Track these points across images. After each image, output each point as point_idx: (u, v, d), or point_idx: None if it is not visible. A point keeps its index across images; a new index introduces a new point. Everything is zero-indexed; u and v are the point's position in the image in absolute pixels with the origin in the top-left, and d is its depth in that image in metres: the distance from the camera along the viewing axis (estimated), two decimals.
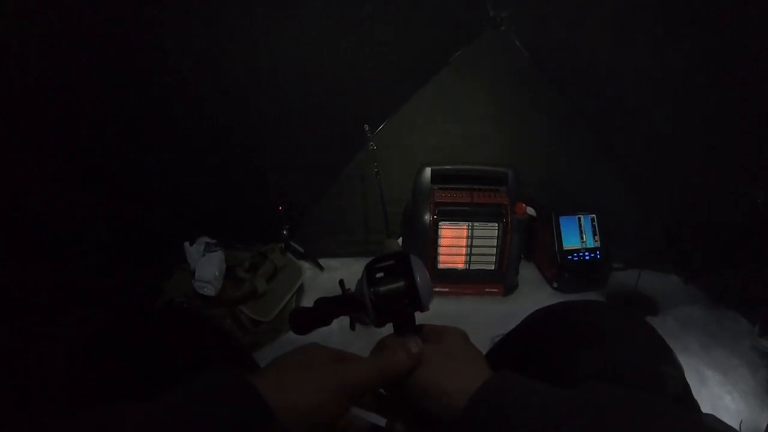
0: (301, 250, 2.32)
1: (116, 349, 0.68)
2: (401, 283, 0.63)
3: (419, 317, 0.66)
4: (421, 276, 0.63)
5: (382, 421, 0.63)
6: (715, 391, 1.63)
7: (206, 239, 2.00)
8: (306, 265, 2.31)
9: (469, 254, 2.11)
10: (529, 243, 2.31)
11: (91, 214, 1.61)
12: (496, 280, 2.17)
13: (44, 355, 1.18)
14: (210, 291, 1.84)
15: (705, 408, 1.02)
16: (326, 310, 0.70)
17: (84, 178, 1.55)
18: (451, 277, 2.15)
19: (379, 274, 0.64)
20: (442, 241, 2.09)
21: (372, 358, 0.59)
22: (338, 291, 0.71)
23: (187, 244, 1.98)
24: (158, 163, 1.83)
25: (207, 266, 1.89)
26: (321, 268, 2.35)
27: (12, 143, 1.27)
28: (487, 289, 2.19)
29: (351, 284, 0.71)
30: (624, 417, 0.43)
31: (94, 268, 1.62)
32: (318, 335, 1.91)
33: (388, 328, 0.66)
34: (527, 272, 2.37)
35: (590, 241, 2.23)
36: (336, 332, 1.91)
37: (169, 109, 1.76)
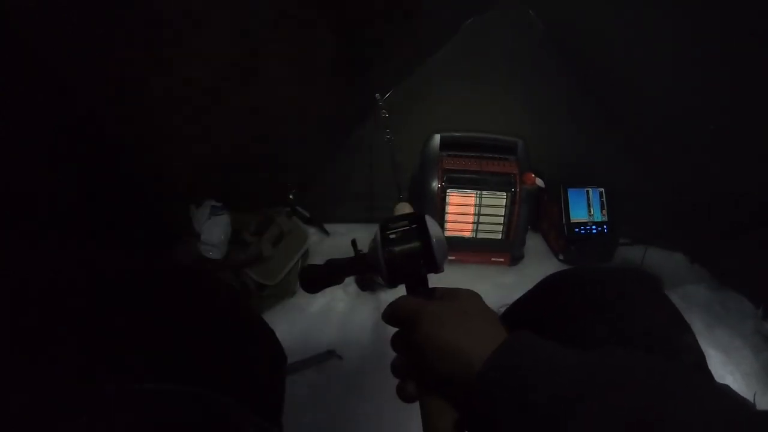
0: (307, 214, 2.32)
1: (124, 312, 0.68)
2: (416, 244, 0.62)
3: (432, 280, 0.65)
4: (436, 237, 0.62)
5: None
6: (717, 372, 1.63)
7: (212, 202, 1.99)
8: (312, 230, 2.32)
9: (477, 222, 2.10)
10: (536, 214, 2.30)
11: (94, 181, 1.60)
12: (503, 249, 2.16)
13: (51, 325, 1.18)
14: (216, 254, 1.84)
15: None
16: (338, 269, 0.69)
17: (85, 146, 1.53)
18: (457, 245, 2.14)
19: (393, 235, 0.63)
20: (449, 209, 2.08)
21: None
22: (345, 255, 0.71)
23: (192, 207, 1.97)
24: (165, 126, 1.81)
25: (213, 229, 1.88)
26: (326, 233, 2.35)
27: (11, 117, 1.25)
28: (493, 259, 2.19)
29: (362, 247, 0.70)
30: (643, 381, 0.42)
31: (99, 235, 1.61)
32: (323, 299, 1.92)
33: (399, 290, 0.65)
34: (534, 243, 2.36)
35: (598, 215, 2.22)
36: (341, 297, 1.93)
37: (172, 74, 1.73)
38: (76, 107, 1.42)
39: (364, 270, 0.67)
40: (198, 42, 1.64)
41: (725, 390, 0.45)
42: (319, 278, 0.70)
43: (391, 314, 0.60)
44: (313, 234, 2.31)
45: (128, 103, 1.58)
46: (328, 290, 1.93)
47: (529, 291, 0.77)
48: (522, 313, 0.77)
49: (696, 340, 0.65)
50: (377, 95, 2.00)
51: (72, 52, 1.32)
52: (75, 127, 1.44)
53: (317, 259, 2.15)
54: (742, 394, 1.52)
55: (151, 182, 1.81)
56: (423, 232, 0.62)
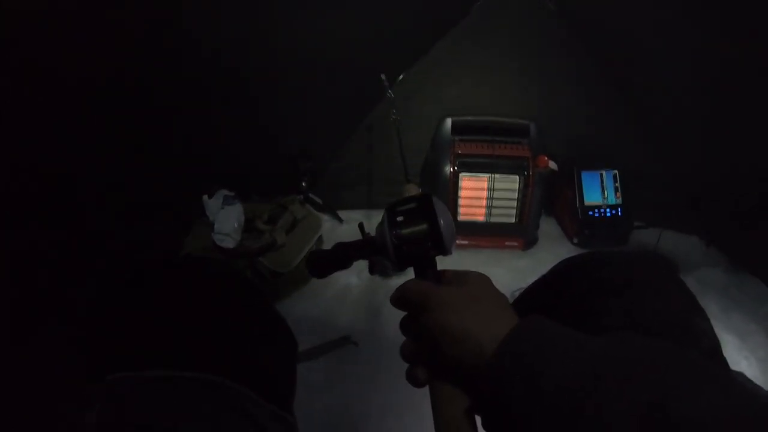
0: (320, 201, 2.32)
1: (136, 302, 0.68)
2: (424, 226, 0.61)
3: (441, 263, 0.64)
4: (444, 218, 0.61)
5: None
6: (732, 357, 1.61)
7: (225, 192, 2.00)
8: (325, 217, 2.32)
9: (490, 206, 2.09)
10: (550, 197, 2.28)
11: (107, 170, 1.61)
12: (517, 233, 2.16)
13: (64, 312, 1.19)
14: (229, 243, 1.85)
15: None
16: (345, 253, 0.69)
17: (100, 134, 1.54)
18: (470, 229, 2.14)
19: (401, 217, 0.63)
20: (462, 193, 2.08)
21: None
22: (358, 238, 0.70)
23: (205, 197, 1.98)
24: (177, 117, 1.81)
25: (226, 219, 1.89)
26: (340, 219, 2.36)
27: (27, 102, 1.26)
28: (506, 243, 2.18)
29: (370, 230, 0.69)
30: (651, 372, 0.42)
31: (112, 224, 1.63)
32: (337, 286, 1.92)
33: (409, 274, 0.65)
34: (547, 227, 2.35)
35: (612, 198, 2.20)
36: (355, 283, 1.93)
37: (186, 63, 1.74)
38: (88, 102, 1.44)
39: (371, 253, 0.67)
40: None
41: (738, 379, 0.45)
42: (326, 263, 0.70)
43: (399, 298, 0.59)
44: (326, 221, 2.31)
45: (137, 93, 1.59)
46: (342, 277, 1.96)
47: (541, 277, 0.77)
48: (534, 299, 0.76)
49: (711, 326, 0.64)
50: (382, 75, 1.99)
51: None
52: (88, 119, 1.45)
53: (331, 246, 2.16)
54: (756, 379, 1.50)
55: (163, 173, 1.82)
56: (430, 213, 0.61)
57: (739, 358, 1.62)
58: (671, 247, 2.15)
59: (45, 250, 1.31)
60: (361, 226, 0.71)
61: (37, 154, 1.30)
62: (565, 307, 0.68)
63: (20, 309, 1.20)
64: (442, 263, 0.64)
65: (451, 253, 0.62)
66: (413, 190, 1.94)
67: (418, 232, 0.61)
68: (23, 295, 1.21)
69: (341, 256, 0.69)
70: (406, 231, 0.61)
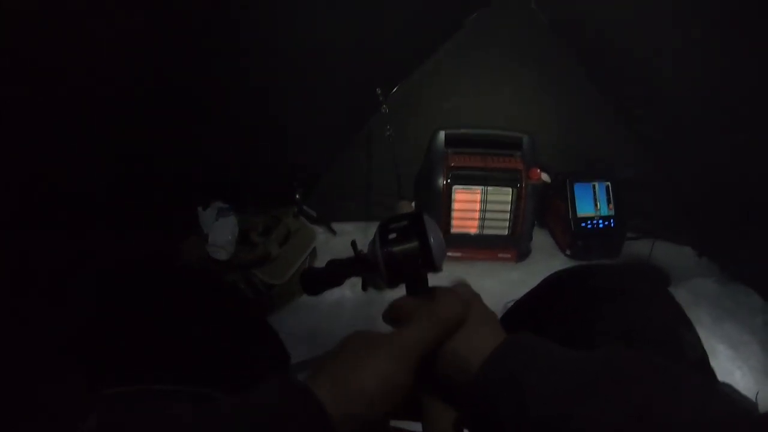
0: (314, 214, 2.33)
1: (131, 315, 0.69)
2: (415, 243, 0.62)
3: (432, 279, 0.65)
4: (434, 236, 0.62)
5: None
6: (725, 366, 1.61)
7: (219, 204, 2.00)
8: (319, 229, 2.32)
9: (483, 219, 2.10)
10: (542, 209, 2.29)
11: (102, 181, 1.60)
12: (509, 245, 2.16)
13: (58, 318, 1.19)
14: (223, 255, 1.85)
15: None
16: (338, 270, 0.69)
17: (96, 144, 1.54)
18: (463, 241, 2.14)
19: (392, 235, 0.63)
20: (455, 205, 2.09)
21: (424, 315, 0.57)
22: (350, 254, 0.71)
23: (200, 208, 1.98)
24: (171, 128, 1.81)
25: (220, 231, 1.89)
26: (333, 232, 2.36)
27: (22, 104, 1.26)
28: (499, 255, 2.19)
29: (363, 247, 0.70)
30: (643, 385, 0.42)
31: (106, 235, 1.62)
32: (331, 299, 1.92)
33: (400, 290, 0.65)
34: (540, 239, 2.35)
35: (604, 209, 2.21)
36: (349, 297, 1.93)
37: (181, 75, 1.74)
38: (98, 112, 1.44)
39: (364, 270, 0.67)
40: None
41: (725, 391, 0.45)
42: (319, 281, 0.70)
43: (390, 315, 0.60)
44: (320, 233, 2.31)
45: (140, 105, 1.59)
46: (335, 289, 1.93)
47: (532, 289, 0.77)
48: (525, 311, 0.77)
49: (698, 337, 0.64)
50: (378, 90, 2.00)
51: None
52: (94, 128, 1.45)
53: (325, 258, 2.16)
54: (749, 389, 1.50)
55: (159, 184, 1.82)
56: (421, 231, 0.62)
57: (733, 368, 1.62)
58: (664, 258, 2.15)
59: (43, 254, 1.31)
60: (353, 243, 0.72)
61: (36, 156, 1.30)
62: (558, 315, 0.69)
63: (19, 310, 1.20)
64: (435, 277, 0.65)
65: (441, 270, 0.63)
66: (407, 207, 1.95)
67: (408, 250, 0.62)
68: (22, 297, 1.21)
69: (334, 273, 0.69)
70: (397, 249, 0.62)
